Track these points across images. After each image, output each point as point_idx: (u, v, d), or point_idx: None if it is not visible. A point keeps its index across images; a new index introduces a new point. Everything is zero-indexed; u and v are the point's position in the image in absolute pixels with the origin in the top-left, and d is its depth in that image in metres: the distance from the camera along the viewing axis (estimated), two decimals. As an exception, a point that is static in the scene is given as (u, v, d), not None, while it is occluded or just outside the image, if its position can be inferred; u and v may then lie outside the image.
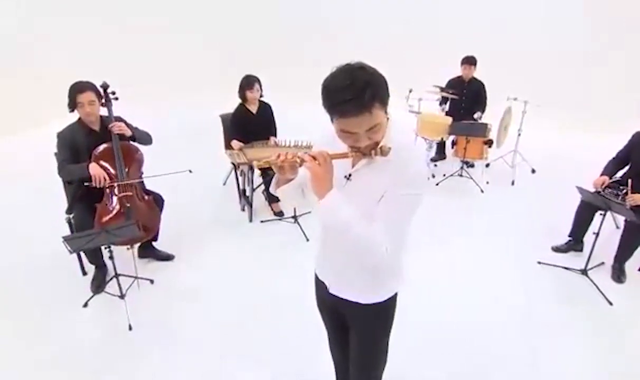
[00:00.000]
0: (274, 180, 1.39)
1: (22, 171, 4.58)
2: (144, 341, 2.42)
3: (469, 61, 4.86)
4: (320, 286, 1.53)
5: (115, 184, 2.72)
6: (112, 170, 2.74)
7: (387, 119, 1.22)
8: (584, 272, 2.99)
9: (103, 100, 2.79)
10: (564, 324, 2.59)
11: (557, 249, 3.34)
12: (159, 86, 6.93)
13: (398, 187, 1.16)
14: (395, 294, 1.46)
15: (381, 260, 1.18)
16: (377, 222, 1.17)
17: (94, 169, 2.62)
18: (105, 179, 2.63)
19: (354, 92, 1.04)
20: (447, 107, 5.04)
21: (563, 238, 3.37)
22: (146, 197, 2.90)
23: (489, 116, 4.86)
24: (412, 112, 4.73)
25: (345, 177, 1.28)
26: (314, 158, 1.16)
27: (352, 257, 1.33)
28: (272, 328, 2.53)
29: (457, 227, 3.73)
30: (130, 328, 2.48)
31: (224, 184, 4.40)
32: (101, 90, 2.78)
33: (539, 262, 3.15)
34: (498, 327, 2.56)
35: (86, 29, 6.66)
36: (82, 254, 2.91)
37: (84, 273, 2.92)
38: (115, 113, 2.85)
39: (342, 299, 1.43)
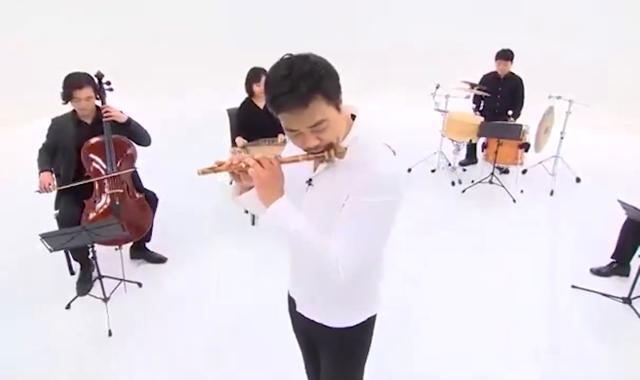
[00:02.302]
0: (233, 189, 1.30)
1: (17, 165, 4.70)
2: (123, 348, 2.39)
3: (505, 55, 4.59)
4: (291, 304, 1.47)
5: (105, 180, 2.73)
6: (102, 164, 2.75)
7: (353, 116, 1.16)
8: (627, 300, 2.70)
9: (98, 92, 2.78)
10: (599, 360, 2.34)
11: (597, 272, 3.05)
12: (163, 78, 6.92)
13: (359, 194, 1.07)
14: (370, 319, 1.35)
15: (336, 278, 1.08)
16: (335, 234, 1.08)
17: (41, 177, 2.62)
18: (46, 189, 2.58)
19: (290, 85, 0.97)
20: (480, 107, 4.80)
21: (606, 259, 3.07)
22: (138, 195, 2.89)
23: (528, 116, 4.58)
24: (438, 110, 4.52)
25: (307, 182, 1.21)
26: (259, 162, 1.10)
27: (318, 274, 1.24)
28: (265, 335, 2.46)
29: (482, 240, 3.51)
30: (110, 334, 2.46)
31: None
32: (95, 80, 2.79)
33: (574, 286, 2.89)
34: (520, 357, 2.36)
35: (84, 16, 6.71)
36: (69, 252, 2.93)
37: (72, 272, 2.95)
38: (119, 107, 2.85)
39: (309, 320, 1.36)
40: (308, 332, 1.45)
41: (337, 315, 1.30)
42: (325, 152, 1.09)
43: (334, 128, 1.07)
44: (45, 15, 6.19)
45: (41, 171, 2.66)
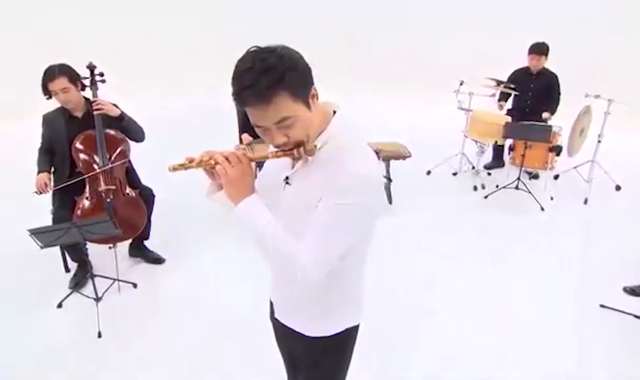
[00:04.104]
0: (208, 187, 1.29)
1: (15, 161, 4.81)
2: (111, 351, 2.41)
3: (538, 50, 4.40)
4: (271, 309, 1.49)
5: (97, 176, 2.76)
6: (94, 159, 2.78)
7: (334, 112, 1.16)
8: (663, 325, 2.53)
9: (87, 83, 2.80)
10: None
11: (631, 291, 2.88)
12: (171, 73, 6.92)
13: (329, 195, 1.07)
14: (350, 330, 1.33)
15: (303, 282, 1.09)
16: (305, 236, 1.09)
17: (37, 179, 2.67)
18: (43, 190, 2.65)
19: (252, 79, 0.97)
20: (509, 104, 4.64)
21: (641, 277, 2.91)
22: (131, 192, 2.91)
23: (561, 117, 4.40)
24: (461, 109, 4.40)
25: (284, 180, 1.21)
26: (227, 159, 1.11)
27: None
28: (264, 336, 2.43)
29: (504, 249, 3.39)
30: (99, 335, 2.48)
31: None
32: (88, 71, 2.81)
33: (602, 305, 2.73)
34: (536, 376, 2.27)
35: (84, 16, 6.70)
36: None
37: (67, 270, 3.00)
38: (114, 101, 2.87)
39: (287, 327, 1.36)
40: (286, 341, 1.46)
41: (313, 324, 1.30)
42: (295, 149, 1.08)
43: (302, 125, 1.06)
44: (45, 12, 6.26)
45: (38, 172, 2.72)
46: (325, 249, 1.09)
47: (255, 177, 1.22)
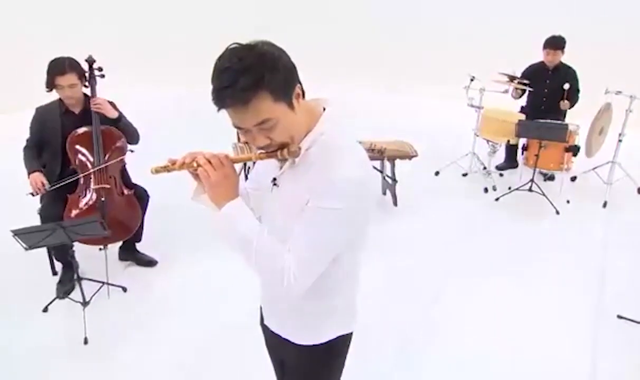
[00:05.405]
0: (194, 189, 1.29)
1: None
2: (98, 358, 2.40)
3: (554, 44, 4.33)
4: (261, 315, 1.48)
5: (91, 174, 2.76)
6: (89, 157, 2.78)
7: (324, 109, 1.16)
8: (686, 338, 2.45)
9: (86, 78, 2.80)
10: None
11: (652, 301, 2.80)
12: (163, 68, 6.94)
13: (317, 198, 1.06)
14: (342, 338, 1.32)
15: (287, 289, 1.08)
16: (290, 241, 1.10)
17: (31, 178, 2.65)
18: (40, 189, 2.63)
19: (229, 79, 0.96)
20: (522, 101, 4.57)
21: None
22: (126, 192, 2.91)
23: (579, 115, 4.33)
24: (472, 106, 4.34)
25: (272, 181, 1.21)
26: (209, 161, 1.10)
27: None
28: (258, 343, 2.43)
29: (515, 256, 3.34)
30: (85, 342, 2.47)
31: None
32: (86, 65, 2.81)
33: (620, 316, 2.67)
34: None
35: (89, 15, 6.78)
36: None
37: (54, 272, 2.99)
38: (109, 97, 2.88)
39: (276, 334, 1.36)
40: (275, 349, 1.47)
41: (302, 332, 1.29)
42: (279, 150, 1.08)
43: (285, 127, 1.04)
44: (38, 8, 6.29)
45: (31, 172, 2.69)
46: (311, 254, 1.08)
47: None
